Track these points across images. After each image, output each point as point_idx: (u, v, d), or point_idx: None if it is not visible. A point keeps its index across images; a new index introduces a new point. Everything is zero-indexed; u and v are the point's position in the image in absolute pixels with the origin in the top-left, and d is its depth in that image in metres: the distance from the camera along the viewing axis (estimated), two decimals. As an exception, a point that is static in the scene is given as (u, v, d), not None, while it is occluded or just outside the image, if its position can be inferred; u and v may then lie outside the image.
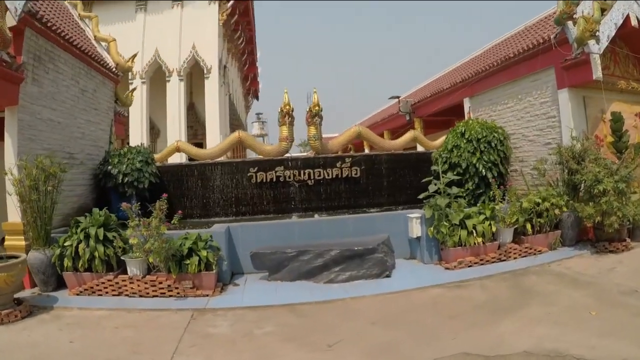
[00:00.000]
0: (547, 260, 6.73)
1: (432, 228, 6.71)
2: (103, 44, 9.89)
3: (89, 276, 5.89)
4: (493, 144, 8.98)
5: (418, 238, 6.96)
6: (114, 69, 9.60)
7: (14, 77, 6.00)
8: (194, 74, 20.32)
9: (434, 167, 7.37)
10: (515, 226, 7.12)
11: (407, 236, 7.10)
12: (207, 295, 5.64)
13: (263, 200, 9.81)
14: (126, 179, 8.45)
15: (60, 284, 6.04)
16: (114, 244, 5.92)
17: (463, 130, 9.27)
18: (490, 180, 8.54)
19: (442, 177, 6.92)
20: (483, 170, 8.80)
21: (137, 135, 18.92)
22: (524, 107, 9.51)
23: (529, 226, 7.16)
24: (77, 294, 5.84)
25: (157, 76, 19.56)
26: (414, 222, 6.91)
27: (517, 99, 9.72)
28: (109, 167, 8.49)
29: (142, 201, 8.75)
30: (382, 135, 16.01)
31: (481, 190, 8.79)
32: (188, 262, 5.65)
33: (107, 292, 5.80)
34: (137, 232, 5.73)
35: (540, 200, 7.21)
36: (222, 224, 7.06)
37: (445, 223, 6.58)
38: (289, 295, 5.59)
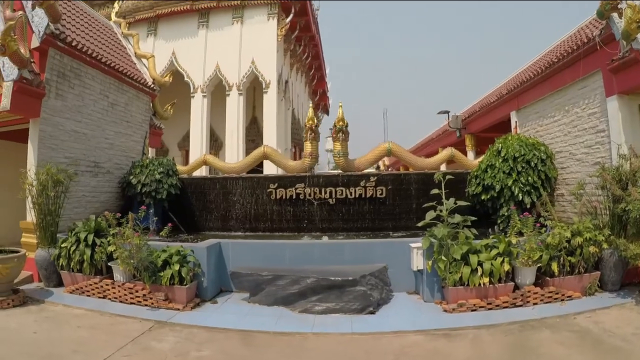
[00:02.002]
0: (575, 309, 5.75)
1: (430, 262, 6.31)
2: (143, 60, 10.81)
3: (81, 277, 6.60)
4: (532, 164, 8.25)
5: (420, 271, 6.61)
6: (149, 84, 10.43)
7: (35, 92, 6.95)
8: (257, 88, 21.33)
9: (433, 191, 6.94)
10: (539, 265, 6.26)
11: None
12: (178, 310, 5.90)
13: (282, 217, 9.98)
14: (144, 189, 9.15)
15: (62, 281, 6.84)
16: (102, 249, 6.45)
17: (500, 147, 8.67)
18: (527, 206, 7.84)
19: (445, 202, 6.53)
20: (519, 194, 8.08)
21: (197, 147, 20.32)
22: (571, 120, 8.64)
23: (554, 265, 6.25)
24: (70, 292, 6.57)
25: (220, 90, 20.84)
26: (415, 252, 6.57)
27: (564, 110, 8.88)
28: (131, 177, 9.25)
29: (163, 211, 9.51)
30: (436, 153, 15.57)
31: (531, 215, 8.04)
32: (162, 274, 5.97)
33: (93, 294, 6.42)
34: (117, 240, 6.18)
35: (569, 235, 6.30)
36: (213, 239, 7.31)
37: (442, 257, 6.13)
38: (254, 320, 5.63)
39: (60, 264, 6.66)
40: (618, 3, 6.88)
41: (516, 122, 10.92)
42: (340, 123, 9.87)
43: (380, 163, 22.42)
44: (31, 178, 6.80)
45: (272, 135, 20.03)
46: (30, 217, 7.07)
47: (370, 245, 7.34)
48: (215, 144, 22.76)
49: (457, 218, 6.30)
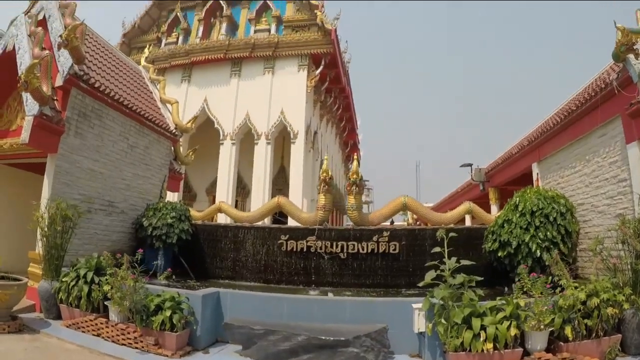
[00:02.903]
0: (589, 380, 5.37)
1: (431, 324, 6.10)
2: (168, 105, 11.40)
3: (78, 312, 6.75)
4: (551, 218, 7.94)
5: (422, 333, 6.39)
6: (171, 129, 10.94)
7: (54, 129, 7.44)
8: (286, 137, 21.93)
9: (435, 249, 6.77)
10: (551, 329, 5.88)
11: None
12: (167, 356, 5.87)
13: (292, 269, 9.94)
14: (155, 232, 9.37)
15: (61, 315, 7.00)
16: (100, 287, 6.60)
17: (517, 201, 8.44)
18: (546, 263, 7.50)
19: (446, 260, 6.37)
20: (537, 251, 7.75)
21: (224, 193, 20.86)
22: (592, 170, 8.41)
23: (568, 330, 5.81)
24: (67, 326, 6.70)
25: (249, 138, 21.54)
26: (417, 313, 6.37)
27: (584, 160, 8.68)
28: (143, 219, 9.53)
29: (174, 256, 9.72)
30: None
31: (540, 275, 7.64)
32: (154, 318, 6.02)
33: (88, 331, 6.52)
34: (113, 280, 6.32)
35: (584, 297, 5.90)
36: (211, 288, 7.34)
37: (442, 320, 5.92)
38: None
39: (60, 297, 6.85)
40: (634, 44, 6.75)
41: (537, 174, 10.78)
42: (354, 176, 9.93)
43: (410, 216, 22.31)
44: (42, 211, 7.13)
45: (298, 185, 20.37)
46: (38, 248, 7.36)
47: (371, 304, 7.17)
48: (243, 191, 23.30)
49: (459, 279, 6.10)
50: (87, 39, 9.26)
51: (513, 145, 14.12)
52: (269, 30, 22.24)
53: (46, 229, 7.05)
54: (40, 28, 8.20)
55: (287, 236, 9.98)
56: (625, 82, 7.18)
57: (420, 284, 6.42)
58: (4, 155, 8.67)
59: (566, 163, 9.51)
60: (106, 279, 6.65)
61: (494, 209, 15.67)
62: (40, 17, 8.77)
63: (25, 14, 8.70)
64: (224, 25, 23.12)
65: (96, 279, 6.74)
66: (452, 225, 10.50)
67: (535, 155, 10.89)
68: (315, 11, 21.11)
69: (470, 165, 16.08)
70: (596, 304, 5.85)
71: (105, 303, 6.59)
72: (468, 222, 15.89)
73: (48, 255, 7.10)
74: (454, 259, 6.39)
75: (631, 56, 6.92)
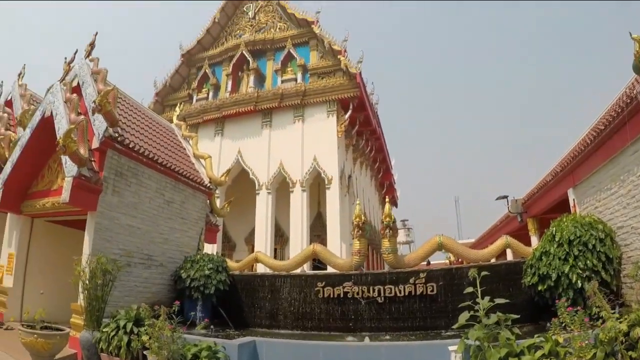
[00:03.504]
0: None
1: (467, 366, 6.00)
2: (201, 160, 11.99)
3: None
4: (590, 245, 7.65)
5: (461, 376, 6.28)
6: (206, 183, 11.47)
7: (92, 188, 8.04)
8: (321, 183, 22.29)
9: (467, 290, 6.69)
10: None
11: (455, 372, 6.47)
12: (203, 406, 6.02)
13: (329, 316, 9.96)
14: (193, 283, 9.70)
15: None
16: (139, 337, 6.88)
17: (554, 231, 8.21)
18: (588, 294, 7.20)
19: (480, 300, 6.29)
20: (578, 281, 7.45)
21: (262, 242, 21.24)
22: (628, 190, 8.07)
23: None
24: None
25: (284, 186, 22.05)
26: (454, 356, 6.30)
27: (619, 181, 8.39)
28: (181, 272, 9.90)
29: (212, 306, 10.00)
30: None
31: (578, 308, 7.30)
32: (190, 368, 6.21)
33: None
34: (151, 331, 6.58)
35: (626, 328, 5.53)
36: (248, 337, 7.50)
37: (479, 362, 5.83)
38: None
39: (101, 347, 7.16)
40: None
41: (574, 199, 10.54)
42: (387, 219, 10.00)
43: (450, 255, 21.97)
44: (83, 265, 7.59)
45: (335, 230, 20.49)
46: (80, 300, 7.77)
47: (407, 348, 7.15)
48: (281, 239, 23.63)
49: (493, 318, 6.02)
50: (119, 102, 10.05)
51: (547, 173, 13.93)
52: (295, 79, 23.17)
53: (87, 282, 7.45)
54: (75, 94, 8.99)
55: (324, 283, 10.07)
56: (649, 94, 7.07)
57: (455, 326, 6.34)
58: (46, 213, 9.37)
59: (602, 185, 9.29)
60: (145, 330, 6.93)
61: (534, 239, 15.35)
62: (74, 83, 9.61)
63: (60, 82, 9.58)
64: (252, 77, 24.25)
65: (135, 330, 7.04)
66: (493, 260, 10.34)
67: (570, 181, 10.71)
68: (339, 56, 21.90)
69: (506, 197, 15.94)
70: (639, 335, 5.64)
71: (144, 352, 6.83)
72: (510, 256, 15.55)
73: (89, 307, 7.45)
74: (487, 298, 6.32)
75: (653, 68, 6.83)
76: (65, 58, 10.35)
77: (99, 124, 8.29)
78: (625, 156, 8.15)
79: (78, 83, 9.54)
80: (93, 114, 8.24)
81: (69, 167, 7.78)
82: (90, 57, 9.88)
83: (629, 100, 7.53)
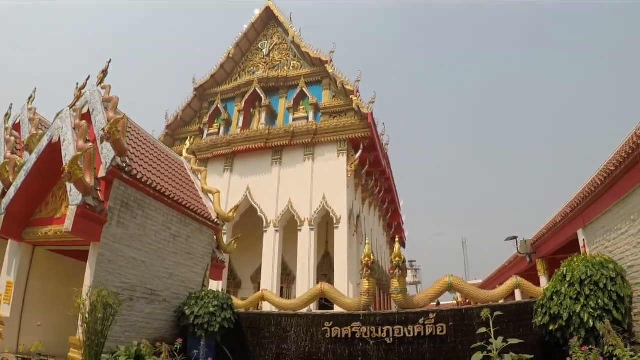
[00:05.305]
0: None
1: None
2: (209, 195, 11.86)
3: None
4: (601, 285, 7.59)
5: None
6: (213, 219, 11.30)
7: (96, 218, 7.87)
8: (329, 223, 22.05)
9: (479, 330, 6.39)
10: None
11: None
12: None
13: (337, 357, 9.59)
14: (197, 320, 9.38)
15: None
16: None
17: (565, 271, 8.17)
18: (600, 333, 6.98)
19: (493, 340, 6.00)
20: (590, 321, 7.30)
21: (269, 281, 20.81)
22: (639, 229, 8.14)
23: None
24: None
25: (292, 224, 21.82)
26: (469, 400, 5.96)
27: (629, 220, 8.43)
28: (185, 308, 9.59)
29: (217, 344, 9.66)
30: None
31: (591, 347, 7.12)
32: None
33: None
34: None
35: None
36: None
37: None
38: None
39: (101, 383, 6.81)
40: None
41: (584, 240, 10.55)
42: (397, 259, 9.82)
43: (459, 296, 21.58)
44: (84, 297, 7.33)
45: (343, 270, 20.12)
46: (79, 334, 7.45)
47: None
48: (288, 277, 23.24)
49: (507, 359, 5.76)
50: (129, 132, 9.99)
51: (556, 214, 13.92)
52: (307, 118, 23.36)
53: (87, 316, 7.18)
54: (84, 121, 8.90)
55: (331, 323, 9.76)
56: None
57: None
58: (48, 242, 9.09)
59: (612, 226, 9.36)
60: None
61: (543, 280, 15.28)
62: (84, 110, 9.55)
63: (70, 107, 9.53)
64: (263, 115, 24.49)
65: (135, 368, 6.73)
66: (502, 302, 10.05)
67: (580, 222, 10.74)
68: (351, 96, 22.09)
69: (515, 238, 15.79)
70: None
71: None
72: (518, 297, 15.27)
73: (88, 342, 7.14)
74: (500, 338, 6.06)
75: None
76: (77, 83, 10.39)
77: (107, 152, 8.19)
78: (635, 196, 8.27)
79: (88, 110, 9.49)
80: (101, 142, 8.17)
81: (74, 195, 7.62)
82: (102, 84, 9.88)
83: (637, 139, 7.64)
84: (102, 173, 8.06)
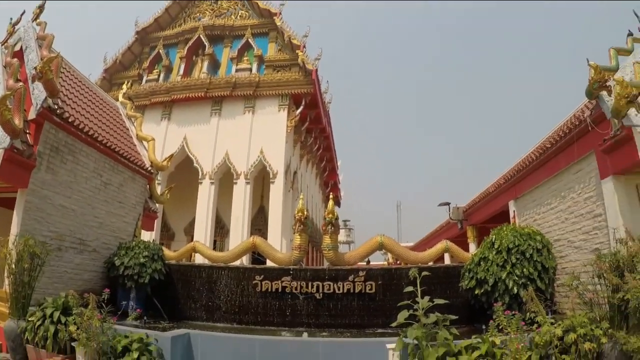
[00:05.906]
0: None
1: (404, 366, 6.08)
2: (144, 142, 11.48)
3: (44, 353, 6.52)
4: (528, 255, 8.12)
5: (397, 375, 6.35)
6: (147, 167, 10.98)
7: (24, 163, 7.42)
8: (266, 177, 22.06)
9: (406, 289, 6.82)
10: None
11: (390, 370, 6.52)
12: (132, 400, 5.73)
13: (267, 310, 9.84)
14: (127, 271, 9.26)
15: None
16: (66, 327, 6.45)
17: (493, 239, 8.64)
18: (523, 300, 7.59)
19: (419, 299, 6.40)
20: (514, 287, 7.89)
21: (202, 233, 20.71)
22: (568, 206, 8.61)
23: None
24: None
25: (228, 177, 21.61)
26: (391, 354, 6.35)
27: (560, 197, 8.90)
28: (115, 259, 9.41)
29: (147, 296, 9.59)
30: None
31: (514, 312, 7.66)
32: (121, 360, 5.90)
33: None
34: (80, 320, 6.19)
35: (561, 333, 5.90)
36: (181, 329, 7.26)
37: (415, 362, 5.91)
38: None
39: (26, 337, 6.63)
40: (606, 80, 7.01)
41: (514, 211, 11.03)
42: (330, 216, 9.98)
43: (390, 256, 22.50)
44: (10, 247, 7.01)
45: (277, 225, 20.40)
46: (5, 286, 7.17)
47: (345, 345, 7.20)
48: (222, 231, 23.19)
49: (432, 318, 6.13)
50: (63, 73, 9.34)
51: (490, 184, 14.66)
52: (250, 70, 22.81)
53: (13, 266, 6.88)
54: (16, 59, 8.27)
55: (262, 276, 9.93)
56: (599, 118, 7.42)
57: (394, 324, 6.42)
58: (-28, 188, 8.52)
59: (542, 200, 9.78)
60: (73, 319, 6.51)
61: (472, 247, 16.00)
62: (17, 47, 8.86)
63: (1, 44, 8.79)
64: (206, 63, 23.64)
65: (63, 319, 6.58)
66: (431, 264, 10.60)
67: (512, 193, 11.20)
68: (297, 51, 21.76)
69: (448, 204, 16.58)
70: (573, 339, 5.86)
71: (72, 344, 6.42)
72: (447, 261, 16.15)
73: (15, 294, 6.88)
74: (427, 298, 6.44)
75: (604, 93, 7.18)
76: (11, 18, 9.48)
77: (38, 93, 7.63)
78: (568, 174, 8.60)
79: (21, 47, 8.77)
80: (33, 81, 7.60)
81: (1, 138, 7.12)
82: (38, 20, 9.10)
83: (577, 123, 7.95)
84: (32, 115, 7.53)
